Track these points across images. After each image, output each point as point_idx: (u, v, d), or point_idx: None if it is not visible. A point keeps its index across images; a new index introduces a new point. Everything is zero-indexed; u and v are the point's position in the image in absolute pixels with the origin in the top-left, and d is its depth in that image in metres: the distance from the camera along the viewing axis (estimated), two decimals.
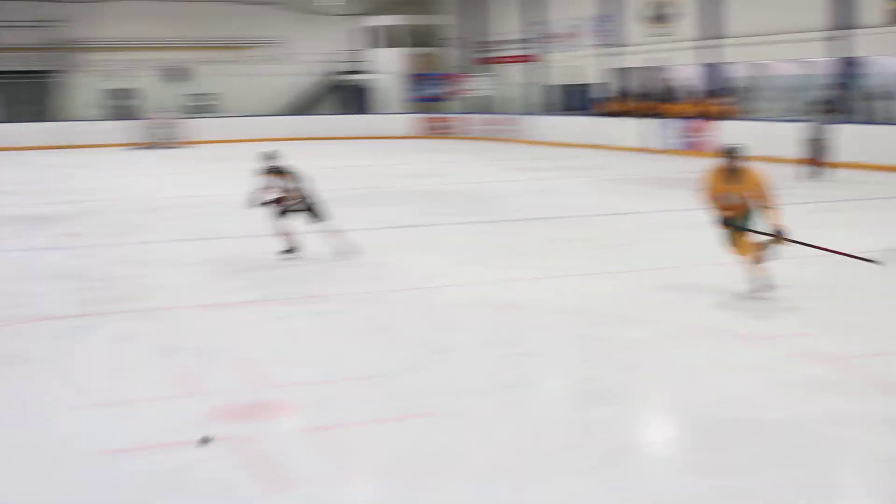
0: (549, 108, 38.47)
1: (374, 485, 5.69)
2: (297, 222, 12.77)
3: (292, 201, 12.74)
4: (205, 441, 6.23)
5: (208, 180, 24.28)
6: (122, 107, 41.68)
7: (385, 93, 43.41)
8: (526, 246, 13.57)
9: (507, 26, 41.47)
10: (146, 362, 8.18)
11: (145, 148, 35.64)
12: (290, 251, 12.71)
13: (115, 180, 24.41)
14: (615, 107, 33.56)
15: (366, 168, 27.00)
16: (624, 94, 34.11)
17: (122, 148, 35.72)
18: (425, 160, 29.73)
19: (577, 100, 36.93)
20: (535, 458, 5.94)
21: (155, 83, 42.12)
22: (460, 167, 27.19)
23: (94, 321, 9.65)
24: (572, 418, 6.75)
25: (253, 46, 43.55)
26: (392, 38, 43.52)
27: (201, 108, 42.41)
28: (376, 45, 43.85)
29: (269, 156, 13.01)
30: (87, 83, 41.83)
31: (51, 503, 5.44)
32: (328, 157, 30.55)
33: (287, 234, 12.78)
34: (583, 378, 7.60)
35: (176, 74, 42.60)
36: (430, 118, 41.34)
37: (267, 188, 12.81)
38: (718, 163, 9.78)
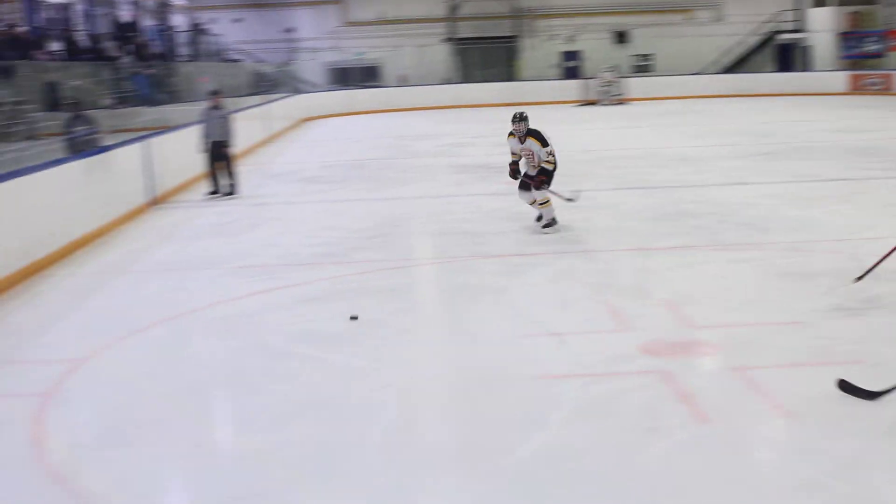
0: None
1: (788, 426, 5.49)
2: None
3: (548, 168, 11.13)
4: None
5: (644, 134, 24.24)
6: (570, 67, 42.51)
7: (818, 50, 41.19)
8: None
9: None
10: (583, 298, 8.33)
11: (591, 104, 36.14)
12: (552, 223, 11.29)
13: (563, 134, 24.82)
14: None
15: (796, 123, 25.82)
16: None
17: (570, 105, 36.41)
18: (856, 116, 27.95)
19: None
20: None
21: (599, 45, 42.51)
22: (892, 123, 25.39)
23: (538, 260, 9.95)
24: None
25: (690, 9, 42.81)
26: None
27: (639, 67, 42.34)
28: (810, 3, 41.68)
29: (521, 117, 11.25)
30: (540, 46, 42.98)
31: (495, 419, 5.68)
32: (760, 113, 29.54)
33: (546, 202, 11.30)
34: None
35: (618, 37, 42.77)
36: (863, 75, 38.76)
37: (522, 154, 11.28)
38: None
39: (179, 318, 8.24)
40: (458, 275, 9.47)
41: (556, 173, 11.26)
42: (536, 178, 11.16)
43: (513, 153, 11.44)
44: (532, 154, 11.18)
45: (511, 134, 11.30)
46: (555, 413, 5.74)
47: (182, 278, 9.76)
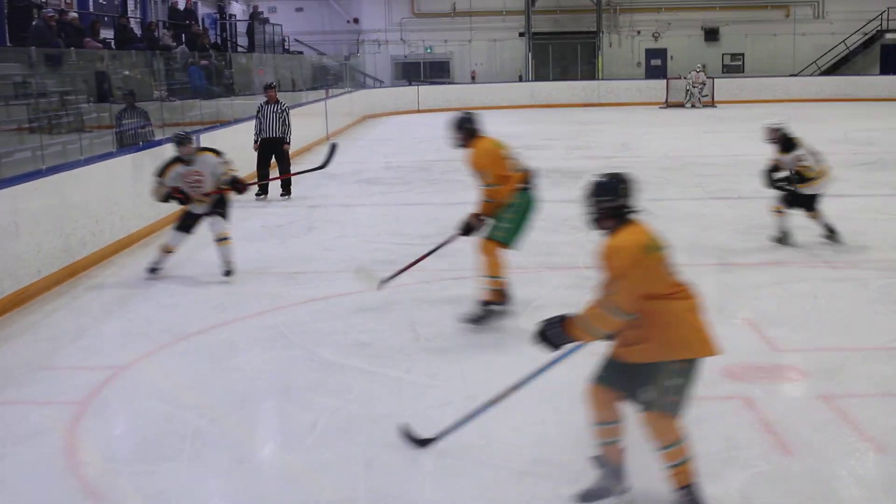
0: None
1: (878, 461, 5.40)
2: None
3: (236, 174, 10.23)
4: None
5: (732, 140, 23.99)
6: (655, 66, 42.27)
7: None
8: None
9: None
10: None
11: (675, 107, 35.90)
12: (155, 269, 10.13)
13: (643, 137, 24.75)
14: None
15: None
16: None
17: (654, 106, 36.21)
18: None
19: None
20: None
21: (686, 43, 42.20)
22: None
23: None
24: None
25: (786, 6, 42.31)
26: None
27: (729, 67, 41.96)
28: None
29: (185, 138, 10.21)
30: (624, 43, 42.80)
31: (559, 443, 5.65)
32: (861, 119, 29.04)
33: (168, 249, 10.18)
34: None
35: (708, 34, 42.42)
36: None
37: (189, 181, 10.00)
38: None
39: (225, 325, 8.33)
40: (524, 287, 9.42)
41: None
42: (238, 185, 10.25)
43: (172, 188, 10.06)
44: (204, 175, 10.03)
45: (172, 163, 10.06)
46: (627, 437, 5.69)
47: (230, 283, 9.85)
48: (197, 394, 6.67)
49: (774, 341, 7.50)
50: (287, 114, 15.52)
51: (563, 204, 14.22)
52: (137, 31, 21.31)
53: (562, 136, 25.31)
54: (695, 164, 18.78)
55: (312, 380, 6.90)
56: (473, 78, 41.81)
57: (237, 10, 34.20)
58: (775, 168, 10.80)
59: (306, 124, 22.07)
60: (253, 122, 15.52)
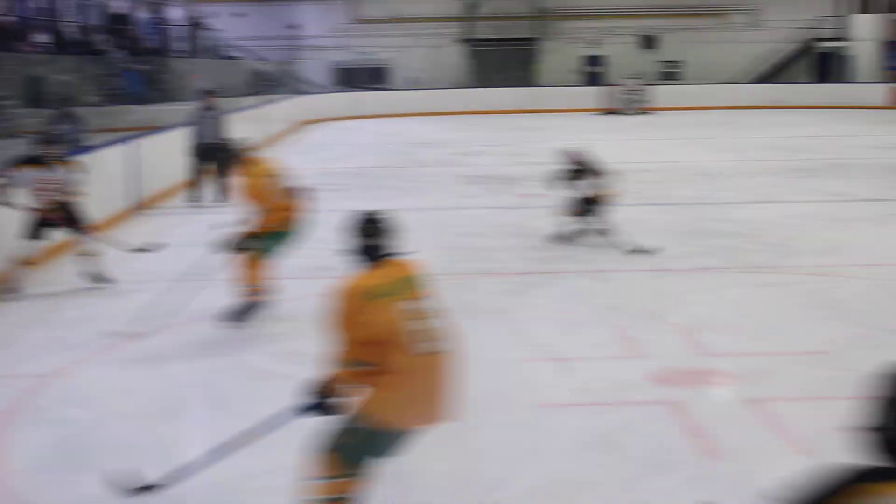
0: None
1: (806, 465, 5.43)
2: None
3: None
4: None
5: (667, 147, 24.21)
6: (593, 73, 42.50)
7: (861, 60, 41.03)
8: None
9: None
10: (591, 322, 8.31)
11: (613, 114, 36.10)
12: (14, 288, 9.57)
13: (580, 144, 24.84)
14: None
15: (834, 138, 25.68)
16: None
17: (591, 113, 36.38)
18: None
19: None
20: None
21: (625, 50, 42.51)
22: None
23: (545, 279, 9.92)
24: None
25: (723, 13, 42.76)
26: (871, 3, 41.02)
27: (667, 74, 42.31)
28: (854, 10, 41.55)
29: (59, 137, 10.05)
30: (562, 50, 42.98)
31: (490, 450, 5.64)
32: (795, 126, 29.42)
33: (28, 262, 9.71)
34: None
35: (645, 42, 42.75)
36: None
37: (40, 187, 9.46)
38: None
39: (157, 333, 8.23)
40: (459, 293, 9.40)
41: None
42: (76, 214, 9.78)
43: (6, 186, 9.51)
44: (59, 186, 9.59)
45: (28, 163, 9.53)
46: (554, 444, 5.71)
47: (162, 291, 9.74)
48: (125, 402, 6.58)
49: (704, 346, 7.57)
50: (225, 119, 15.39)
51: (499, 210, 14.30)
52: (74, 35, 21.05)
53: (500, 143, 25.34)
54: (630, 170, 18.87)
55: (242, 388, 6.85)
56: (413, 84, 41.76)
57: (176, 14, 33.86)
58: (569, 184, 11.48)
59: (243, 130, 21.88)
60: (189, 128, 15.36)
